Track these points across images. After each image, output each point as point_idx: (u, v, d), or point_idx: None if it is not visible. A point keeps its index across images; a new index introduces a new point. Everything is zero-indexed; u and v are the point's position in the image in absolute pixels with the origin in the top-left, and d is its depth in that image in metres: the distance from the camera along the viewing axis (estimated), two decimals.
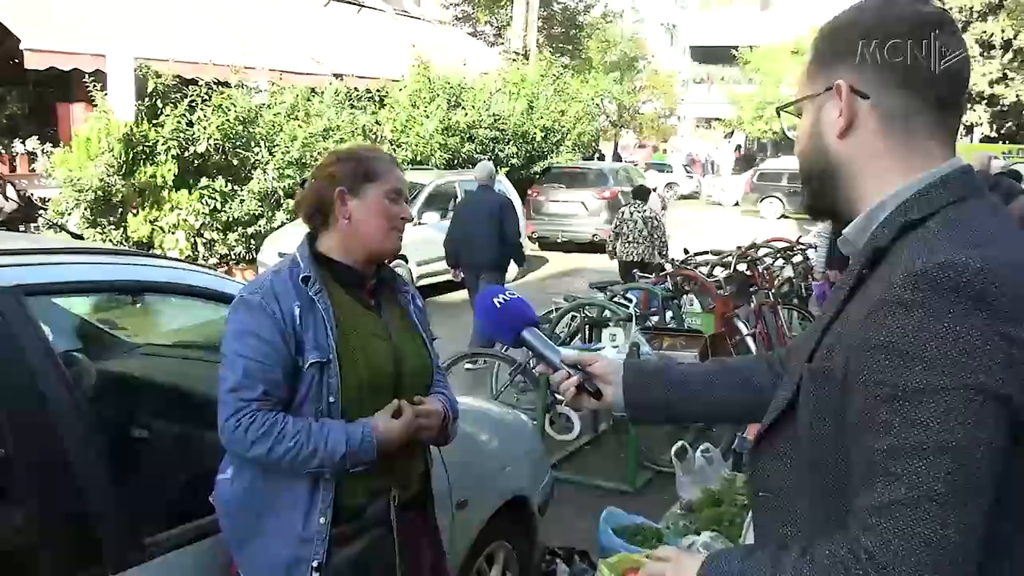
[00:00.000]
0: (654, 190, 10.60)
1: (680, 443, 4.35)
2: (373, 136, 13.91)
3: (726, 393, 1.58)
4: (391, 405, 2.05)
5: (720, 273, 7.68)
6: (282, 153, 11.61)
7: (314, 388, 1.98)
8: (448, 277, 11.75)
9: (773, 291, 7.97)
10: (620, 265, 9.21)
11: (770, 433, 1.27)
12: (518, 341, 1.65)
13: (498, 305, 1.65)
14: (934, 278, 1.01)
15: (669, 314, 6.55)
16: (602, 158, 22.86)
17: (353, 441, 1.94)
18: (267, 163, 11.58)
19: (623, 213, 9.34)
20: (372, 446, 1.96)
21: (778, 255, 8.91)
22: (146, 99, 10.86)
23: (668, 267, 7.68)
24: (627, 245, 9.09)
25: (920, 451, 0.99)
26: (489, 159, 16.25)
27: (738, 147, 39.76)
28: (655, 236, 9.07)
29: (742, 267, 7.96)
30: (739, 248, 8.42)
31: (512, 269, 8.42)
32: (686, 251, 9.00)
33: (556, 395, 5.75)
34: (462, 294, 11.38)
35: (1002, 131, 27.13)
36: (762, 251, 8.83)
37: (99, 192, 10.18)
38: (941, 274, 1.01)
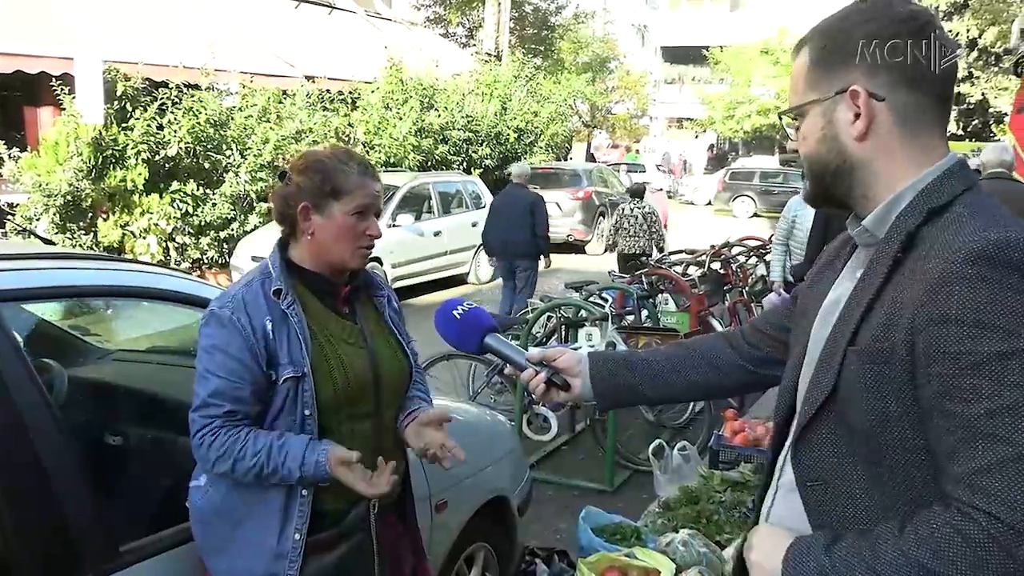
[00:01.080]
0: (660, 189, 11.06)
1: (657, 442, 4.37)
2: (346, 138, 13.84)
3: (690, 374, 1.64)
4: (354, 457, 1.90)
5: (694, 272, 7.73)
6: (254, 156, 11.53)
7: (288, 402, 1.95)
8: (424, 279, 11.81)
9: (747, 289, 8.06)
10: (620, 257, 9.90)
11: (814, 422, 1.29)
12: (482, 348, 1.70)
13: (458, 316, 1.70)
14: (991, 255, 1.09)
15: (644, 313, 6.58)
16: (559, 159, 22.59)
17: (307, 468, 1.90)
18: (239, 166, 11.50)
19: (622, 209, 10.01)
20: (325, 474, 1.90)
21: (751, 253, 8.97)
22: (115, 102, 10.73)
23: (648, 262, 7.72)
24: (628, 239, 9.78)
25: (1018, 409, 1.04)
26: (463, 160, 16.27)
27: (710, 147, 39.96)
28: (653, 230, 9.80)
29: (716, 266, 8.02)
30: (713, 247, 8.47)
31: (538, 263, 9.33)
32: (660, 250, 9.10)
33: (533, 396, 5.75)
34: (438, 296, 11.40)
35: (968, 129, 27.53)
36: (735, 250, 8.88)
37: (68, 197, 10.05)
38: (997, 251, 1.09)
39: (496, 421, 3.71)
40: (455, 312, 1.70)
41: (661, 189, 12.07)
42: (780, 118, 1.38)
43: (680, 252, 8.79)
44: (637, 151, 36.19)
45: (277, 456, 1.90)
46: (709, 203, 27.18)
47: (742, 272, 8.41)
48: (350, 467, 1.89)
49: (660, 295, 7.24)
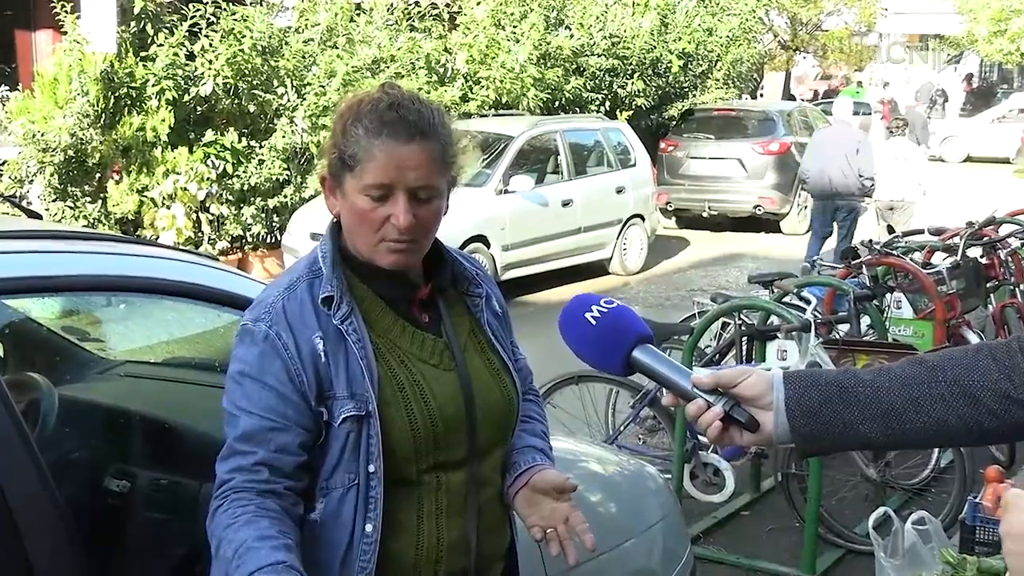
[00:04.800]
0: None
1: (882, 510, 4.25)
2: (441, 69, 14.01)
3: (935, 409, 1.55)
4: None
5: (942, 262, 7.48)
6: (315, 95, 11.83)
7: (349, 451, 1.94)
8: (548, 267, 11.82)
9: (1022, 287, 7.73)
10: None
11: None
12: (629, 366, 1.66)
13: (593, 322, 1.66)
14: None
15: (865, 321, 6.42)
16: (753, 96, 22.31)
17: None
18: (295, 109, 11.82)
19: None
20: None
21: None
22: (132, 24, 11.18)
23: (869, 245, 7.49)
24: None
25: None
26: (605, 99, 16.22)
27: (968, 76, 38.70)
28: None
29: (975, 252, 7.74)
30: (971, 225, 8.17)
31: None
32: (891, 230, 8.84)
33: (699, 437, 5.70)
34: (560, 293, 11.42)
35: None
36: (1006, 229, 8.55)
37: (70, 152, 10.51)
38: None
39: (644, 474, 3.71)
40: (589, 316, 1.66)
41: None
42: None
43: (920, 232, 8.52)
44: (859, 83, 35.30)
45: (233, 561, 1.82)
46: (968, 159, 26.29)
47: (1015, 262, 8.10)
48: None
49: (890, 295, 7.04)
